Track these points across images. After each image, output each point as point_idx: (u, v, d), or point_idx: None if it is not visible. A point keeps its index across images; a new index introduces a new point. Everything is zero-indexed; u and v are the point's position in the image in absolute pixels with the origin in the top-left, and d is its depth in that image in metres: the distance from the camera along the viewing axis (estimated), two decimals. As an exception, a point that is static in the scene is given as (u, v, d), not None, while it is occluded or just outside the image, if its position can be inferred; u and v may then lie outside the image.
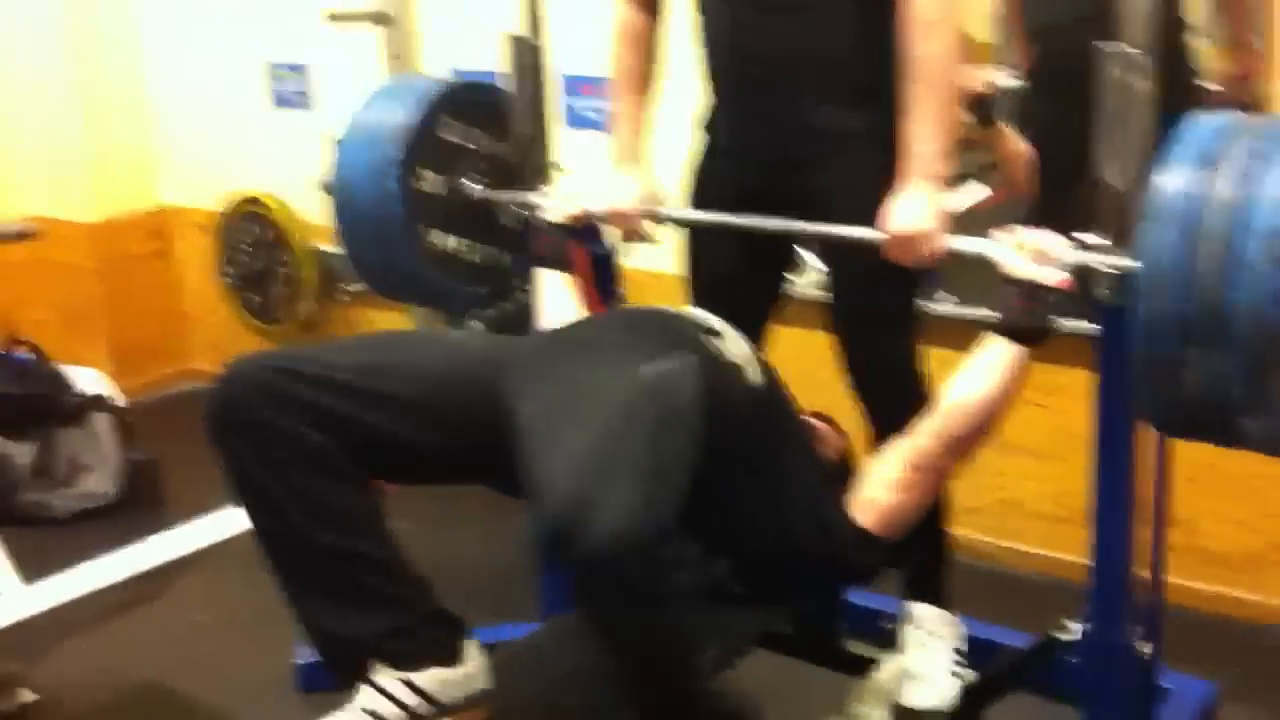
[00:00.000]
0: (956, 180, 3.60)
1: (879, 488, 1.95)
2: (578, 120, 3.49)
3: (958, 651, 2.24)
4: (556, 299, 2.31)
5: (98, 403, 3.70)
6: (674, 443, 1.52)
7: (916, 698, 2.17)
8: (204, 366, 4.72)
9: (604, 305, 2.59)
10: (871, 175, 2.07)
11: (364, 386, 1.77)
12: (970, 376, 1.90)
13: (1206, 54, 2.90)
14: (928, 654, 2.22)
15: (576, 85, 3.50)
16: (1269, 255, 1.51)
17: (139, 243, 4.57)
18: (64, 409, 3.64)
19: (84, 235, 4.42)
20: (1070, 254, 1.84)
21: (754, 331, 2.37)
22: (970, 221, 3.12)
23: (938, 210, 2.00)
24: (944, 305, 3.07)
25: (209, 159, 4.45)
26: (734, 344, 1.92)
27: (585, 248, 2.54)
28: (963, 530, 3.17)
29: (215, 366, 4.53)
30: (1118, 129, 1.81)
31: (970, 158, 3.70)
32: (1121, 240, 1.80)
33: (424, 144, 2.40)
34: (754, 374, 1.88)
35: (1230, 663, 2.72)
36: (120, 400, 3.80)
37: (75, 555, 3.34)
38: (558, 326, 2.08)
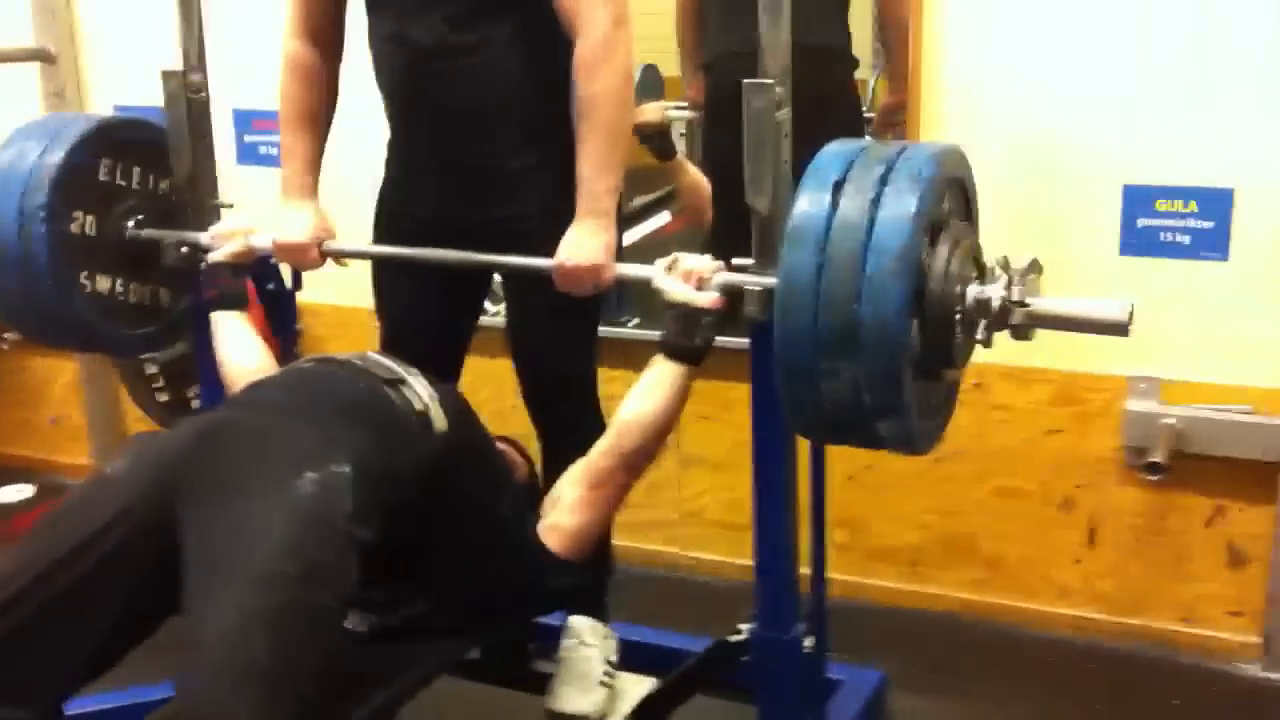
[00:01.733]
0: (641, 211, 3.77)
1: (563, 512, 2.01)
2: (249, 155, 3.44)
3: (609, 662, 2.34)
4: (231, 338, 2.27)
5: None
6: (312, 601, 1.57)
7: (566, 703, 2.26)
8: None
9: (281, 342, 2.56)
10: (543, 211, 2.13)
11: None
12: (637, 396, 1.99)
13: (876, 86, 3.14)
14: (579, 662, 2.30)
15: (248, 119, 3.44)
16: (891, 272, 1.64)
17: None
18: None
19: None
20: (720, 275, 1.95)
21: (447, 362, 2.40)
22: (651, 248, 3.26)
23: (605, 244, 2.07)
24: (630, 329, 3.17)
25: None
26: (419, 388, 1.92)
27: (258, 285, 2.51)
28: (648, 543, 3.31)
29: None
30: (760, 156, 1.92)
31: (650, 188, 3.86)
32: (768, 261, 1.91)
33: (74, 185, 2.29)
34: (438, 418, 1.90)
35: (898, 652, 2.91)
36: None
37: None
38: (225, 409, 1.96)
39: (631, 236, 3.70)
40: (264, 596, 1.54)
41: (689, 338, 1.95)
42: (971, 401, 2.90)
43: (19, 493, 3.94)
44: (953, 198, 1.81)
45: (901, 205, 1.65)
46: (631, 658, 2.42)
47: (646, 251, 2.46)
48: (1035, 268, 1.77)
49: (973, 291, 1.75)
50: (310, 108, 2.28)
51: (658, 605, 3.09)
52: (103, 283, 2.38)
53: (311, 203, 2.29)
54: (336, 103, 2.33)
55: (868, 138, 1.86)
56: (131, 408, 3.77)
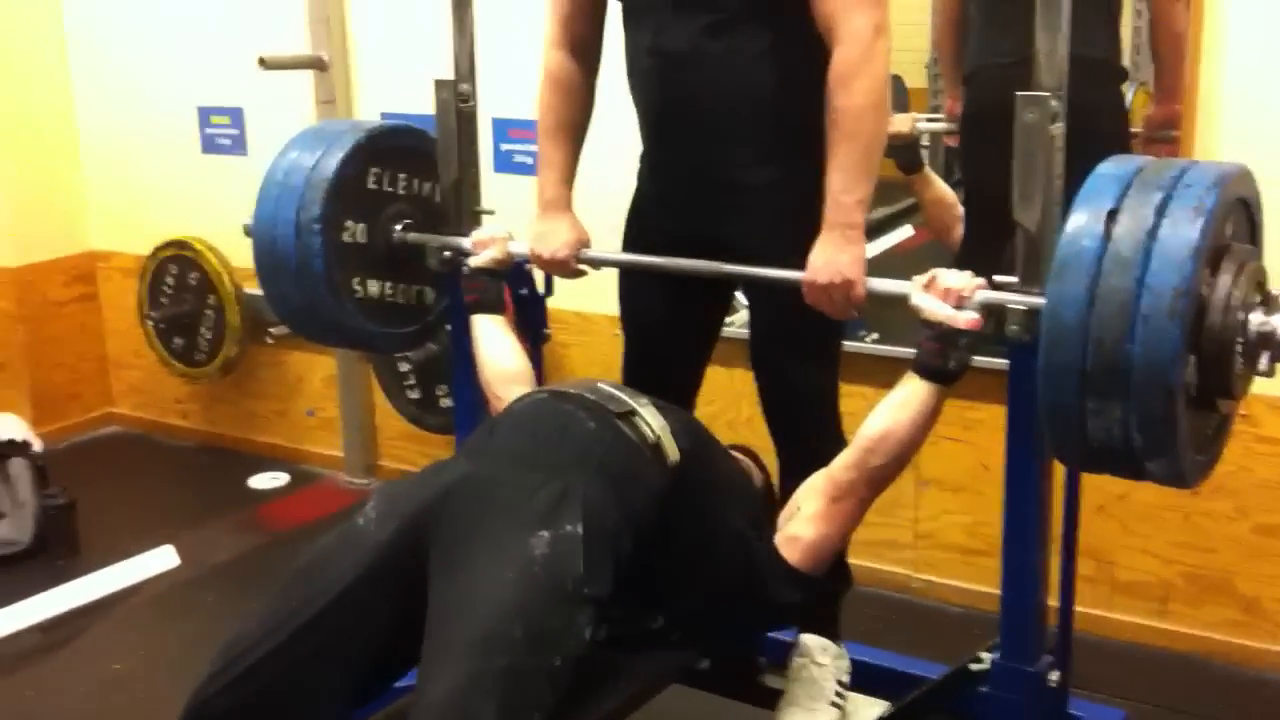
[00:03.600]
0: (883, 224, 3.72)
1: (802, 523, 2.00)
2: (505, 164, 3.54)
3: (840, 683, 2.29)
4: (490, 340, 2.34)
5: (13, 448, 3.66)
6: (537, 664, 1.62)
7: None
8: (125, 410, 4.70)
9: (531, 346, 2.63)
10: (787, 226, 2.11)
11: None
12: (886, 411, 1.96)
13: (1139, 99, 3.02)
14: (809, 683, 2.27)
15: (505, 129, 3.54)
16: (1169, 310, 1.57)
17: (63, 287, 4.53)
18: (-23, 457, 3.61)
19: (6, 280, 4.37)
20: (981, 294, 1.90)
21: (689, 375, 2.44)
22: (894, 262, 3.22)
23: (855, 258, 2.04)
24: (868, 344, 3.13)
25: (140, 203, 4.43)
26: (650, 418, 1.94)
27: (511, 290, 2.59)
28: (882, 564, 3.27)
29: (137, 410, 4.56)
30: (1031, 172, 1.86)
31: (892, 200, 3.81)
32: (1033, 280, 1.86)
33: (346, 196, 2.40)
34: (670, 449, 1.92)
35: (1140, 691, 2.79)
36: (38, 446, 3.77)
37: (-12, 602, 3.31)
38: (465, 459, 1.96)
39: (872, 250, 3.67)
40: (490, 660, 1.60)
41: (944, 358, 1.91)
42: (1236, 432, 2.73)
43: (273, 480, 4.16)
44: (1236, 220, 1.73)
45: (1180, 239, 1.58)
46: (860, 678, 2.38)
47: (886, 268, 2.42)
48: (1325, 297, 1.68)
49: (1255, 321, 1.67)
50: (569, 118, 2.32)
51: (885, 628, 3.06)
52: (373, 287, 2.50)
53: (568, 213, 2.34)
54: (592, 113, 2.36)
55: (1141, 156, 1.77)
56: (383, 403, 3.92)
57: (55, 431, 4.41)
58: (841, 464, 1.99)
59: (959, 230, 3.24)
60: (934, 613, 3.19)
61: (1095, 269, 1.62)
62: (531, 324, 2.68)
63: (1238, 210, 1.73)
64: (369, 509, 1.84)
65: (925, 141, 3.40)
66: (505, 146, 3.54)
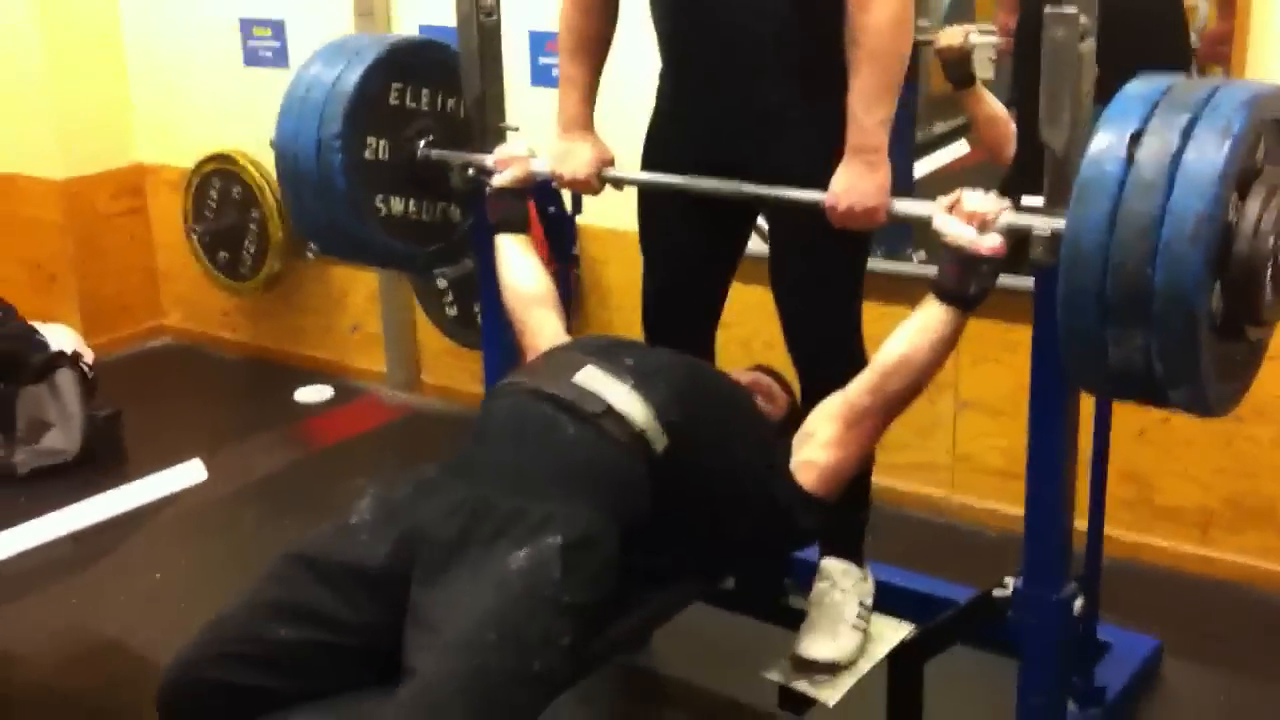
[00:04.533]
0: (936, 141, 3.62)
1: (817, 448, 1.99)
2: (542, 77, 3.48)
3: (863, 605, 2.27)
4: (512, 261, 2.32)
5: (62, 359, 3.70)
6: (508, 666, 1.62)
7: (814, 649, 2.20)
8: (174, 323, 4.75)
9: (559, 266, 2.61)
10: (811, 151, 2.07)
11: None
12: (904, 335, 1.93)
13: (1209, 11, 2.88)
14: (830, 608, 2.25)
15: (542, 42, 3.48)
16: (1191, 237, 1.51)
17: (111, 199, 4.56)
18: (28, 367, 3.65)
19: (54, 191, 4.40)
20: (1005, 217, 1.85)
21: (710, 301, 2.41)
22: (947, 179, 3.13)
23: (878, 184, 1.99)
24: (915, 265, 3.07)
25: (185, 115, 4.43)
26: (634, 406, 1.89)
27: (539, 208, 2.56)
28: (917, 485, 3.24)
29: (185, 323, 4.61)
30: (1058, 91, 1.80)
31: (944, 115, 3.70)
32: (1059, 202, 1.80)
33: (367, 112, 2.38)
34: (657, 436, 1.88)
35: (1178, 618, 2.75)
36: (89, 356, 3.81)
37: (34, 511, 3.36)
38: (453, 475, 1.91)
39: (924, 167, 3.58)
40: (461, 660, 1.60)
41: (965, 284, 1.86)
42: (1280, 358, 2.69)
43: (319, 393, 4.19)
44: (1271, 143, 1.65)
45: (1205, 163, 1.52)
46: (889, 601, 2.37)
47: (939, 186, 2.33)
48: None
49: (1289, 246, 1.61)
50: (591, 34, 2.28)
51: (923, 550, 3.03)
52: (396, 204, 2.48)
53: (590, 131, 2.31)
54: (615, 30, 2.31)
55: (1173, 75, 1.69)
56: (424, 319, 3.93)
57: (106, 343, 4.47)
58: (857, 388, 1.96)
59: (1011, 149, 3.15)
60: (971, 536, 3.16)
61: (1117, 193, 1.56)
62: (559, 243, 2.66)
63: (1273, 132, 1.66)
64: (365, 510, 1.83)
65: (991, 55, 3.28)
66: (543, 60, 3.47)
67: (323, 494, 3.36)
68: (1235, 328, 1.63)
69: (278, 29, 4.11)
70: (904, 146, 3.56)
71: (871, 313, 2.29)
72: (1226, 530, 2.92)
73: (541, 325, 2.25)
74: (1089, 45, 1.78)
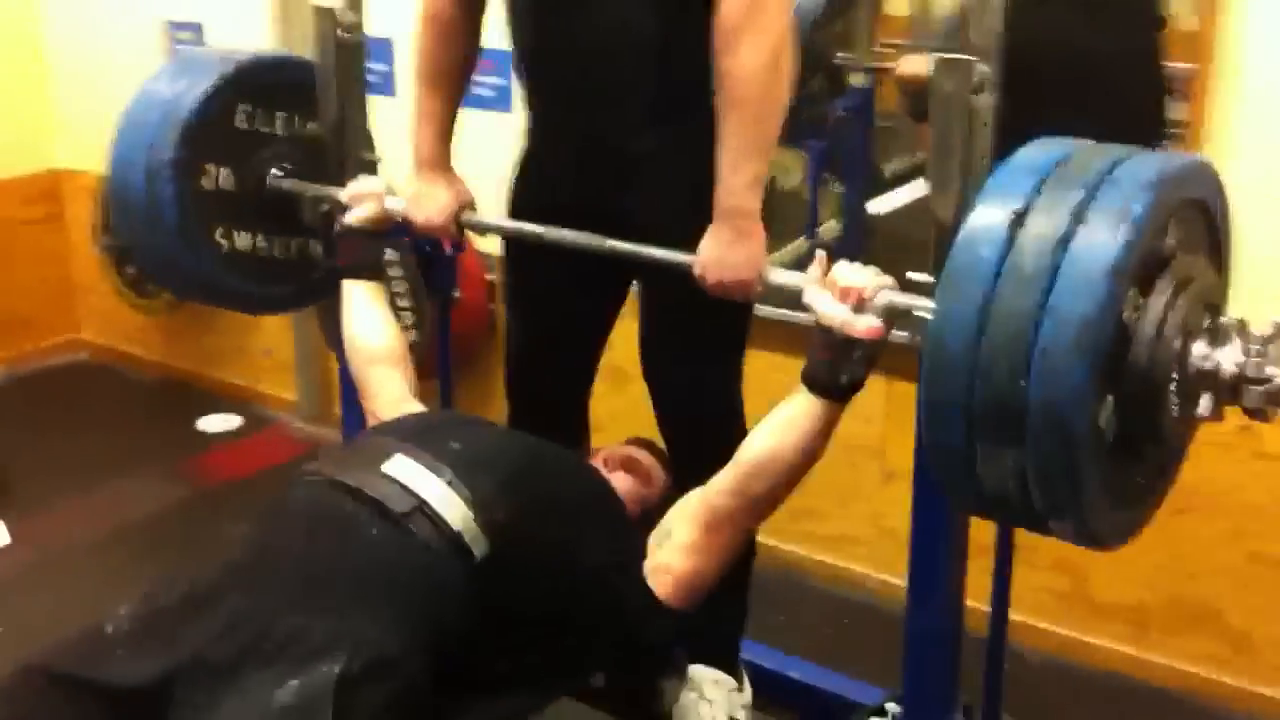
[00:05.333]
0: (897, 178, 3.38)
1: (674, 552, 1.73)
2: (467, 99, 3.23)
3: (732, 719, 2.02)
4: (358, 312, 2.05)
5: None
6: None
7: None
8: (90, 338, 4.51)
9: (438, 308, 2.38)
10: (683, 200, 1.82)
11: None
12: (769, 430, 1.66)
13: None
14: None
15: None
16: (1072, 344, 1.24)
17: (27, 206, 4.32)
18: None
19: (-36, 196, 4.18)
20: (885, 295, 1.58)
21: (581, 368, 2.17)
22: (913, 219, 2.86)
23: (749, 254, 1.74)
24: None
25: (107, 120, 4.16)
26: (447, 506, 1.60)
27: (416, 247, 2.32)
28: (838, 558, 2.98)
29: (100, 338, 4.36)
30: (946, 153, 1.56)
31: (905, 150, 3.46)
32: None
33: (206, 135, 2.12)
34: (475, 539, 1.59)
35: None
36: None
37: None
38: (235, 578, 1.62)
39: (883, 205, 3.32)
40: None
41: (836, 372, 1.59)
42: (1234, 446, 2.43)
43: (225, 422, 3.95)
44: (1184, 227, 1.38)
45: (1095, 254, 1.25)
46: (778, 694, 2.20)
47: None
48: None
49: (1197, 353, 1.34)
50: (448, 65, 2.02)
51: (834, 632, 2.81)
52: (241, 239, 2.22)
53: (447, 172, 2.05)
54: (477, 60, 2.05)
55: (1074, 141, 1.42)
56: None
57: (14, 357, 4.23)
58: (719, 488, 1.69)
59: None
60: (889, 618, 2.87)
61: (991, 285, 1.29)
62: (437, 285, 2.41)
63: (1188, 214, 1.39)
64: (124, 619, 1.54)
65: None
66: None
67: (198, 540, 3.09)
68: (1132, 449, 1.36)
69: (198, 32, 3.87)
70: (854, 184, 3.34)
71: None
72: (1166, 633, 2.65)
73: (382, 386, 1.99)
74: (985, 100, 1.53)
